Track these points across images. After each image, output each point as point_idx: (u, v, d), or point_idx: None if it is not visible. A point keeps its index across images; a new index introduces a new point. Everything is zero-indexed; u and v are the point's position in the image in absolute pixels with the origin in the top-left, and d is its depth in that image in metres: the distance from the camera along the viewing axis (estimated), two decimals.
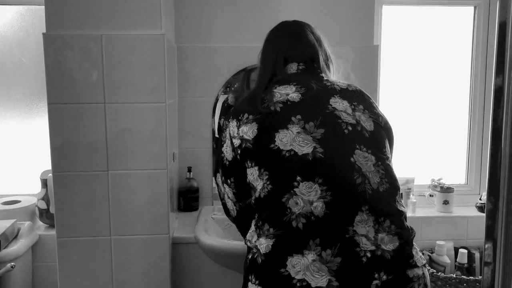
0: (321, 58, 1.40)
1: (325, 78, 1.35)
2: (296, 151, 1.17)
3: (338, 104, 1.26)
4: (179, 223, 2.00)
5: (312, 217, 1.11)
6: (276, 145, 1.18)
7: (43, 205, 2.12)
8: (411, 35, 2.40)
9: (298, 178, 1.15)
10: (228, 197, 1.35)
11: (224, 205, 1.39)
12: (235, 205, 1.34)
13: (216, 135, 2.19)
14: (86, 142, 1.65)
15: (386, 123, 1.32)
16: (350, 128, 1.22)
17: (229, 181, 1.32)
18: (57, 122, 1.64)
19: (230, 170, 1.30)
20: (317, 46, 1.41)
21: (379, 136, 1.26)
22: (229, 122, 1.31)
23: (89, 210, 1.69)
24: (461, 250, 2.15)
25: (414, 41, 2.40)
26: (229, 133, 1.29)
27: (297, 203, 1.13)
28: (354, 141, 1.20)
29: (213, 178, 2.16)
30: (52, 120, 1.64)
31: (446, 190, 2.35)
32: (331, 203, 1.12)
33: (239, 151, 1.25)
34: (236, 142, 1.26)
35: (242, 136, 1.24)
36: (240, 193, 1.31)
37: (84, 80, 1.63)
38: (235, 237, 1.79)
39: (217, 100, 2.18)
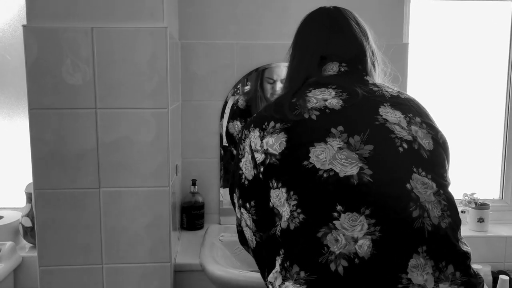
0: (369, 58, 1.15)
1: (370, 82, 1.11)
2: (337, 171, 0.95)
3: (390, 115, 1.02)
4: (182, 245, 1.75)
5: (356, 259, 0.89)
6: (311, 163, 0.96)
7: (27, 223, 1.87)
8: (441, 33, 2.15)
9: (339, 207, 0.92)
10: (247, 225, 1.12)
11: (241, 233, 1.16)
12: (254, 235, 1.11)
13: (225, 142, 1.93)
14: (74, 154, 1.42)
15: (445, 141, 1.08)
16: (405, 145, 0.98)
17: (248, 206, 1.09)
18: (40, 130, 1.39)
19: (250, 192, 1.08)
20: (365, 42, 1.16)
21: (439, 157, 1.02)
22: (249, 131, 1.09)
23: (77, 234, 1.45)
24: (502, 276, 1.89)
25: (445, 39, 2.16)
26: (250, 146, 1.07)
27: (337, 240, 0.91)
28: (411, 163, 0.97)
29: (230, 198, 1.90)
30: (34, 128, 1.39)
31: (481, 206, 2.10)
32: (380, 242, 0.90)
33: (261, 169, 1.03)
34: (259, 157, 1.04)
35: (267, 149, 1.02)
36: (262, 220, 1.08)
37: (72, 81, 1.39)
38: (249, 264, 1.55)
39: (226, 102, 1.93)
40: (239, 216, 1.13)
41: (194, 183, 1.92)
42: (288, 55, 1.23)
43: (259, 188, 1.05)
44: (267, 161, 1.02)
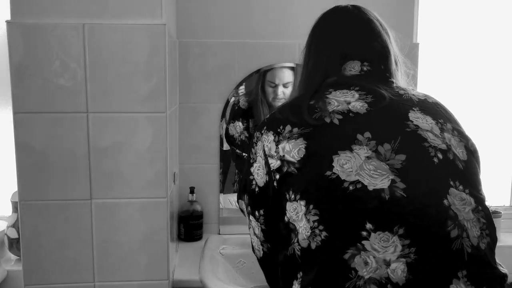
0: (392, 58, 1.05)
1: (395, 84, 1.01)
2: (365, 184, 0.85)
3: (421, 120, 0.92)
4: (180, 258, 1.63)
5: (389, 285, 0.80)
6: (335, 173, 0.87)
7: (13, 234, 1.74)
8: (451, 31, 2.05)
9: (369, 225, 0.83)
10: (254, 233, 1.04)
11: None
12: (262, 244, 1.02)
13: (226, 147, 1.82)
14: (63, 162, 1.29)
15: (476, 149, 0.99)
16: (440, 155, 0.88)
17: (257, 214, 1.01)
18: (26, 136, 1.27)
19: (260, 200, 0.99)
20: (388, 41, 1.06)
21: (474, 168, 0.93)
22: (261, 134, 0.99)
23: (67, 249, 1.33)
24: None
25: (455, 38, 2.05)
26: (263, 150, 0.98)
27: (366, 263, 0.81)
28: (447, 175, 0.87)
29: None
30: (19, 133, 1.27)
31: (493, 214, 1.99)
32: (416, 265, 0.81)
33: (277, 176, 0.94)
34: (274, 163, 0.95)
35: (283, 156, 0.93)
36: (271, 231, 0.99)
37: (61, 82, 1.27)
38: (253, 280, 1.44)
39: (226, 105, 1.82)
40: (247, 223, 1.06)
41: (192, 191, 1.80)
42: (302, 55, 1.14)
43: (270, 196, 0.96)
44: (284, 169, 0.92)
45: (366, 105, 0.95)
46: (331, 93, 0.99)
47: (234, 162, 1.87)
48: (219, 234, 1.86)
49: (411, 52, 1.83)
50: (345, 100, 0.96)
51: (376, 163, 0.86)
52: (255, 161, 1.01)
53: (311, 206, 0.87)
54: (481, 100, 2.12)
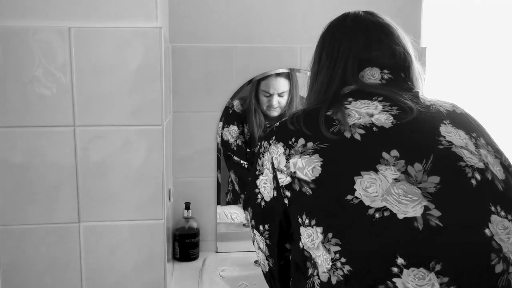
0: (414, 64, 0.95)
1: (420, 94, 0.92)
2: (394, 212, 0.74)
3: (453, 135, 0.83)
4: (176, 281, 1.51)
5: None
6: (357, 198, 0.76)
7: None
8: (457, 34, 1.96)
9: (400, 260, 0.71)
10: (259, 247, 0.95)
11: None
12: (267, 259, 0.94)
13: (219, 146, 1.71)
14: (48, 181, 1.16)
15: (510, 164, 0.88)
16: (478, 176, 0.79)
17: (261, 228, 0.92)
18: (5, 152, 1.15)
19: (266, 215, 0.90)
20: (408, 45, 0.96)
21: None
22: (270, 144, 0.89)
23: (52, 277, 1.20)
24: None
25: (463, 41, 1.96)
26: (272, 163, 0.87)
27: None
28: (487, 199, 0.78)
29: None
30: None
31: None
32: None
33: (287, 193, 0.84)
34: (283, 179, 0.84)
35: (295, 173, 0.82)
36: (277, 247, 0.91)
37: (45, 92, 1.13)
38: None
39: (223, 113, 1.71)
40: (251, 235, 0.97)
41: (187, 206, 1.68)
42: (311, 64, 1.03)
43: (277, 211, 0.87)
44: (296, 187, 0.81)
45: (391, 118, 0.84)
46: (350, 103, 0.88)
47: (232, 169, 1.75)
48: (217, 252, 1.74)
49: (422, 57, 1.73)
50: (367, 112, 0.85)
51: (406, 187, 0.75)
52: (262, 173, 0.90)
53: (330, 235, 0.76)
54: (490, 105, 2.03)
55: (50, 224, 1.17)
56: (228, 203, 1.78)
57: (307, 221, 0.80)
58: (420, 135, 0.82)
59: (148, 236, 1.20)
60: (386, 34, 0.97)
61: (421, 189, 0.75)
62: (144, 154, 1.17)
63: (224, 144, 1.71)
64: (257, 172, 0.92)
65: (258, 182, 0.91)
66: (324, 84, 0.97)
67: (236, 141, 1.74)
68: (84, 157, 1.16)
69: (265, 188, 0.89)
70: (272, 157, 0.87)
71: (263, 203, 0.89)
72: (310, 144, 0.82)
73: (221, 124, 1.70)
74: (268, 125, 1.74)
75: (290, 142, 0.85)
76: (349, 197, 0.76)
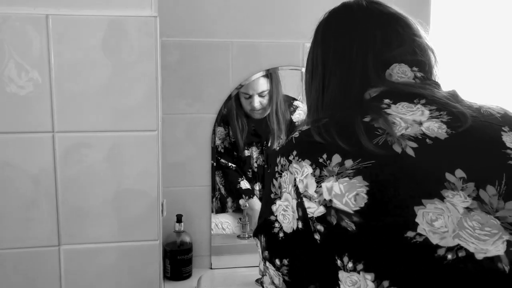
0: (437, 62, 0.81)
1: (459, 96, 0.78)
2: (471, 251, 0.59)
3: None
4: None
5: None
6: (421, 234, 0.61)
7: None
8: (468, 27, 1.85)
9: None
10: (273, 283, 0.76)
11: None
12: None
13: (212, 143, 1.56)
14: (22, 197, 1.01)
15: None
16: None
17: (278, 263, 0.74)
18: None
19: (285, 248, 0.73)
20: (428, 40, 0.82)
21: None
22: (290, 162, 0.72)
23: None
24: None
25: (473, 35, 1.85)
26: (295, 186, 0.70)
27: None
28: None
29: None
30: None
31: None
32: None
33: (320, 228, 0.67)
34: (314, 209, 0.67)
35: (331, 202, 0.65)
36: (298, 285, 0.74)
37: (17, 92, 0.97)
38: None
39: (219, 116, 1.56)
40: (261, 268, 0.79)
41: (179, 219, 1.51)
42: (312, 67, 0.86)
43: (302, 247, 0.70)
44: (332, 220, 0.65)
45: (444, 126, 0.69)
46: (389, 107, 0.72)
47: (219, 170, 1.63)
48: (211, 268, 1.58)
49: None
50: (414, 120, 0.70)
51: (481, 217, 0.61)
52: (280, 197, 0.73)
53: (385, 283, 0.61)
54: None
55: (25, 248, 1.01)
56: (217, 211, 1.65)
57: (350, 264, 0.64)
58: (484, 148, 0.68)
59: (140, 260, 1.04)
60: (403, 26, 0.82)
61: (499, 219, 0.61)
62: (136, 164, 1.01)
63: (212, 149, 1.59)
64: (272, 196, 0.75)
65: (274, 208, 0.74)
66: (341, 87, 0.81)
67: (223, 142, 1.63)
68: (65, 169, 1.00)
69: (285, 217, 0.72)
70: (295, 179, 0.70)
71: (281, 234, 0.72)
72: (349, 163, 0.66)
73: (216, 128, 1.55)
74: (253, 128, 1.63)
75: (320, 160, 0.68)
76: (410, 234, 0.61)
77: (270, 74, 1.57)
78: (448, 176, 0.63)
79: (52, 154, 0.98)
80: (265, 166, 1.69)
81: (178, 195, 1.55)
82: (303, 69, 1.58)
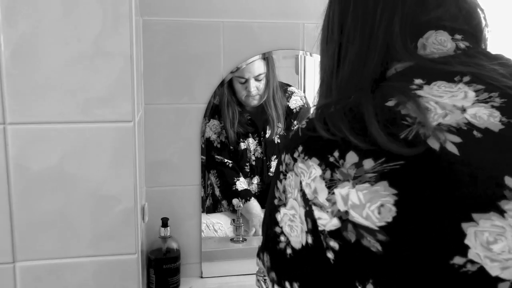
0: (487, 25, 0.63)
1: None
2: None
3: None
4: None
5: None
6: (474, 262, 0.44)
7: None
8: None
9: None
10: None
11: None
12: None
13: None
14: None
15: None
16: None
17: (287, 286, 0.57)
18: None
19: (295, 268, 0.56)
20: None
21: None
22: (295, 160, 0.55)
23: None
24: None
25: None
26: (302, 190, 0.53)
27: None
28: None
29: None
30: None
31: None
32: None
33: (333, 245, 0.51)
34: (326, 221, 0.51)
35: (347, 213, 0.49)
36: None
37: None
38: None
39: (209, 106, 1.39)
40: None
41: (165, 223, 1.33)
42: (326, 35, 0.67)
43: (314, 266, 0.53)
44: (350, 237, 0.49)
45: (497, 113, 0.51)
46: (421, 88, 0.54)
47: (213, 169, 1.49)
48: (202, 277, 1.42)
49: None
50: (454, 104, 0.51)
51: None
52: (285, 204, 0.55)
53: None
54: None
55: None
56: (208, 211, 1.50)
57: None
58: None
59: (114, 278, 0.86)
60: None
61: None
62: (107, 163, 0.83)
63: (205, 142, 1.41)
64: (276, 202, 0.57)
65: (279, 216, 0.56)
66: (359, 60, 0.62)
67: (219, 137, 1.47)
68: (20, 168, 0.81)
69: (293, 229, 0.54)
70: (301, 181, 0.53)
71: (289, 251, 0.55)
72: (369, 163, 0.48)
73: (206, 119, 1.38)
74: (249, 117, 1.48)
75: (331, 159, 0.50)
76: (458, 260, 0.44)
77: (267, 58, 1.42)
78: (509, 181, 0.45)
79: (4, 151, 0.80)
80: (264, 158, 1.52)
81: (163, 196, 1.38)
82: (301, 53, 1.42)
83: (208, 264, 1.44)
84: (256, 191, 1.53)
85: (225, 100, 1.44)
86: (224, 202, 1.53)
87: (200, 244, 1.42)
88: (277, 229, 0.56)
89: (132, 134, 0.83)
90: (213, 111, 1.43)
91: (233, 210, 1.52)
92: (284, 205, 0.55)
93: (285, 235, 0.55)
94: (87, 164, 0.83)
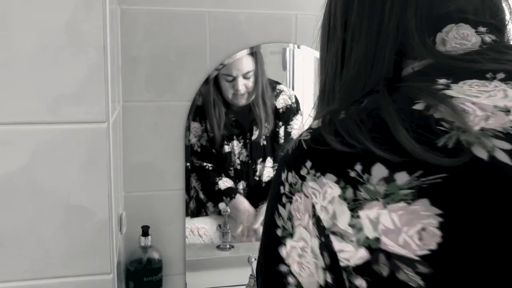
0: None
1: None
2: None
3: None
4: None
5: None
6: None
7: None
8: None
9: None
10: None
11: None
12: None
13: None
14: None
15: None
16: None
17: None
18: None
19: None
20: None
21: None
22: (304, 178, 0.45)
23: None
24: None
25: None
26: (314, 216, 0.43)
27: None
28: None
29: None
30: None
31: None
32: None
33: (360, 284, 0.40)
34: (350, 253, 0.40)
35: (378, 240, 0.39)
36: None
37: None
38: None
39: (194, 104, 1.30)
40: None
41: (145, 232, 1.22)
42: (327, 31, 0.57)
43: None
44: (383, 270, 0.39)
45: None
46: (449, 87, 0.45)
47: (193, 172, 1.38)
48: None
49: None
50: (495, 105, 0.42)
51: None
52: (292, 235, 0.45)
53: None
54: None
55: None
56: (192, 215, 1.40)
57: None
58: None
59: None
60: None
61: None
62: (77, 169, 0.72)
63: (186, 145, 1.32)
64: (279, 232, 0.46)
65: (284, 251, 0.46)
66: (367, 59, 0.52)
67: (199, 140, 1.37)
68: None
69: (303, 267, 0.44)
70: (313, 205, 0.43)
71: None
72: (403, 178, 0.39)
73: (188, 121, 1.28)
74: (234, 118, 1.38)
75: (352, 174, 0.41)
76: None
77: (255, 53, 1.32)
78: None
79: None
80: (249, 162, 1.42)
81: (144, 202, 1.27)
82: (290, 46, 1.32)
83: (193, 274, 1.34)
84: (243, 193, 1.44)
85: (211, 99, 1.33)
86: (209, 205, 1.43)
87: (184, 253, 1.32)
88: (283, 268, 0.46)
89: (105, 136, 0.72)
90: (195, 113, 1.33)
91: (219, 213, 1.43)
92: (291, 235, 0.45)
93: (293, 276, 0.45)
94: (56, 171, 0.72)
